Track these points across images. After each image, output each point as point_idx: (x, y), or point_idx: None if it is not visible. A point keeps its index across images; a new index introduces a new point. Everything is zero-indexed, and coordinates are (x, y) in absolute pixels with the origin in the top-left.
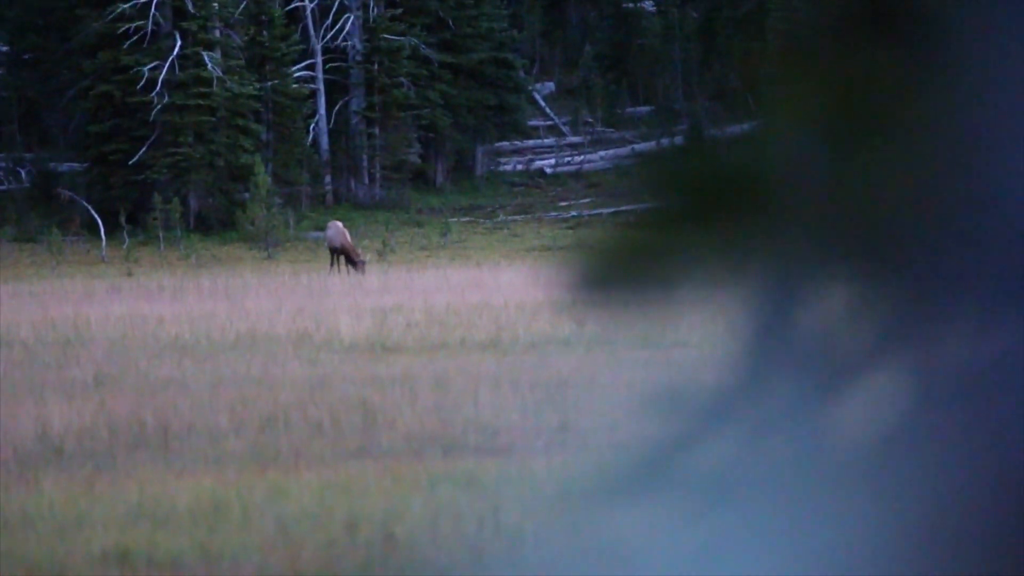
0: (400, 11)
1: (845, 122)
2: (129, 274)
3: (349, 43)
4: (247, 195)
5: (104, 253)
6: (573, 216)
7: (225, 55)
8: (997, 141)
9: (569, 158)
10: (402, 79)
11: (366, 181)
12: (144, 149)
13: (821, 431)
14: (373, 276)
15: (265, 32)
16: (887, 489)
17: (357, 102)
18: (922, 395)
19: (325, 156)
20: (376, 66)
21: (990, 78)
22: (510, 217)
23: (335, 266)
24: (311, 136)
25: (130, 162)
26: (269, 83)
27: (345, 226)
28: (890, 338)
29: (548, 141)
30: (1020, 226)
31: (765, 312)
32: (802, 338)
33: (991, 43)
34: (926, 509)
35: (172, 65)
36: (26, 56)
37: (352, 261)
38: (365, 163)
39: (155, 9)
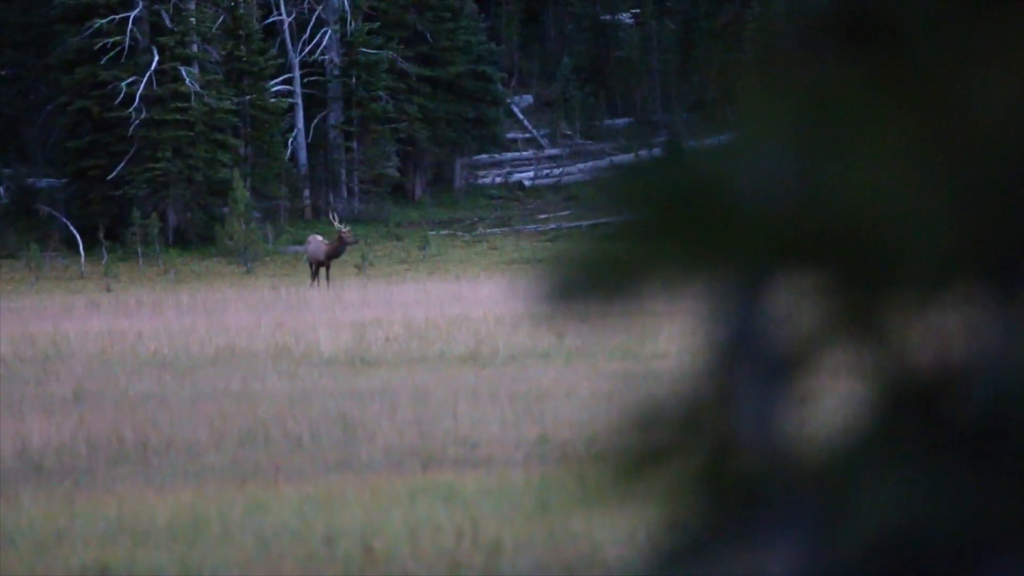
0: (378, 25)
1: (820, 133)
2: (108, 289)
3: (327, 57)
4: (226, 210)
5: (83, 269)
6: (552, 229)
7: (203, 70)
8: (967, 149)
9: (548, 171)
10: (380, 93)
11: (345, 195)
12: (122, 164)
13: (792, 438)
14: (352, 290)
15: (243, 47)
16: (853, 497)
17: (335, 116)
18: (889, 402)
19: (303, 170)
20: (354, 80)
21: (960, 88)
22: (489, 230)
23: (315, 280)
24: (289, 150)
25: (108, 177)
26: (247, 97)
27: (325, 239)
28: (860, 346)
29: (527, 154)
30: (990, 233)
31: (740, 322)
32: (773, 348)
33: (961, 54)
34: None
35: (150, 80)
36: (4, 72)
37: (346, 243)
38: (344, 177)
39: (132, 24)
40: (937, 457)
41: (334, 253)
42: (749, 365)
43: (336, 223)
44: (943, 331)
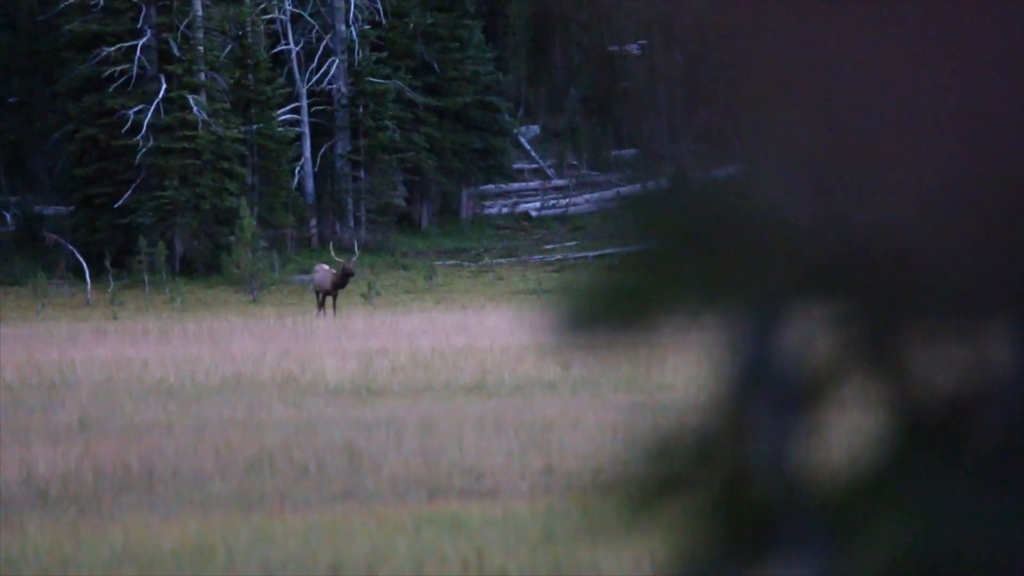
0: (385, 54)
1: (837, 159)
2: (114, 317)
3: (334, 86)
4: (232, 238)
5: (89, 296)
6: (558, 259)
7: (210, 98)
8: (990, 177)
9: (554, 201)
10: (387, 122)
11: (351, 224)
12: (129, 192)
13: (807, 469)
14: (359, 319)
15: (250, 75)
16: (870, 529)
17: (342, 145)
18: (907, 432)
19: (310, 199)
20: (361, 109)
21: (985, 112)
22: (495, 260)
23: (322, 309)
24: (296, 179)
25: (115, 205)
26: (254, 126)
27: (331, 268)
28: (877, 376)
29: (533, 184)
30: (1011, 261)
31: (750, 354)
32: (787, 378)
33: (980, 76)
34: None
35: (157, 108)
36: (11, 99)
37: (347, 275)
38: (350, 206)
39: (140, 52)
40: (955, 487)
41: (340, 283)
42: (764, 395)
43: (334, 256)
44: (962, 360)
